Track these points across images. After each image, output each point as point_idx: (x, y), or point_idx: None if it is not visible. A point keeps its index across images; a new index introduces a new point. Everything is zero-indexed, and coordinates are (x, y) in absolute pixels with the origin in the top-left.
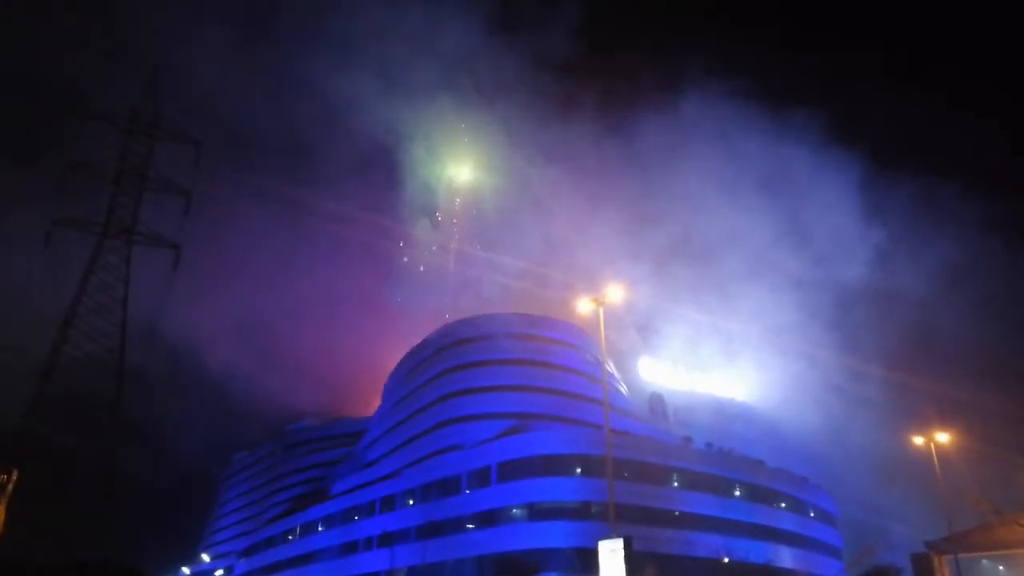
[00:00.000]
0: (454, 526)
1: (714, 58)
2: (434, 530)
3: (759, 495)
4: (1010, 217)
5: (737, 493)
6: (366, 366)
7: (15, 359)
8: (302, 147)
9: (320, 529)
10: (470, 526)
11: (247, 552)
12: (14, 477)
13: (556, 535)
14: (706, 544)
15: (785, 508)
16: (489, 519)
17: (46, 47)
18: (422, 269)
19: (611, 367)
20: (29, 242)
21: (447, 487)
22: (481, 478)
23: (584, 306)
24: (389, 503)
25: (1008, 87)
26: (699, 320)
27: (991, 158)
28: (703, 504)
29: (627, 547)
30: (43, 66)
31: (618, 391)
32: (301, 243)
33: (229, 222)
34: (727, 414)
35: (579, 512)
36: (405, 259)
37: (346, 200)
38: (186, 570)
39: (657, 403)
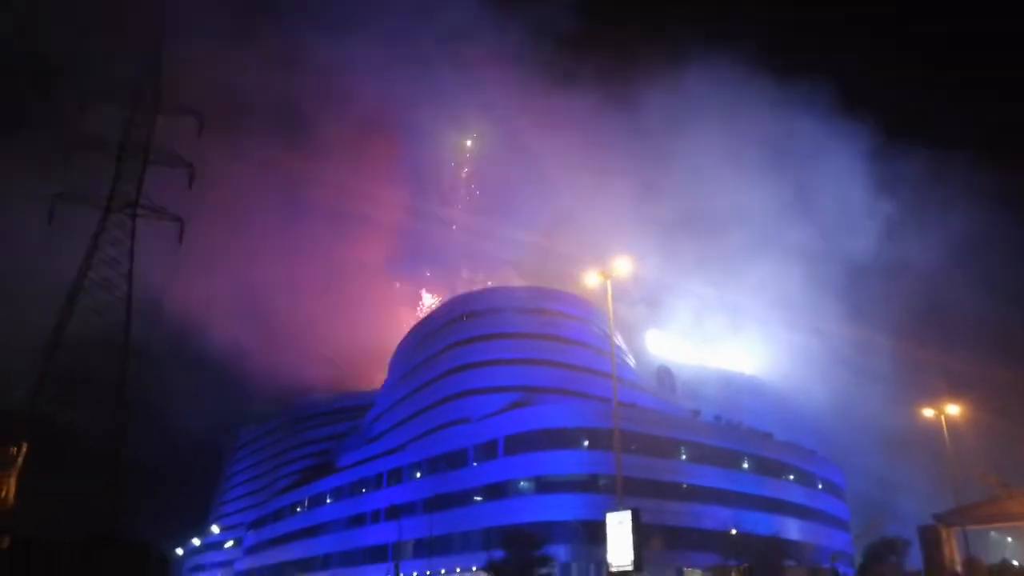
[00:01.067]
0: (461, 499)
1: (718, 25)
2: (441, 503)
3: (767, 468)
4: (1021, 189)
5: (745, 466)
6: (373, 339)
7: (18, 334)
8: (303, 118)
9: (328, 502)
10: (477, 499)
11: (256, 524)
12: (24, 450)
13: (563, 508)
14: (714, 516)
15: (793, 481)
16: (496, 492)
17: (32, 16)
18: (428, 241)
19: (619, 340)
20: (27, 215)
21: (454, 460)
22: (488, 451)
23: (591, 279)
24: (396, 476)
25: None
26: (707, 293)
27: (1004, 129)
28: (711, 477)
29: (635, 519)
30: (30, 36)
31: (626, 364)
32: (304, 215)
33: (231, 195)
34: (735, 387)
35: (586, 485)
36: (411, 231)
37: (350, 172)
38: (196, 541)
39: (665, 376)
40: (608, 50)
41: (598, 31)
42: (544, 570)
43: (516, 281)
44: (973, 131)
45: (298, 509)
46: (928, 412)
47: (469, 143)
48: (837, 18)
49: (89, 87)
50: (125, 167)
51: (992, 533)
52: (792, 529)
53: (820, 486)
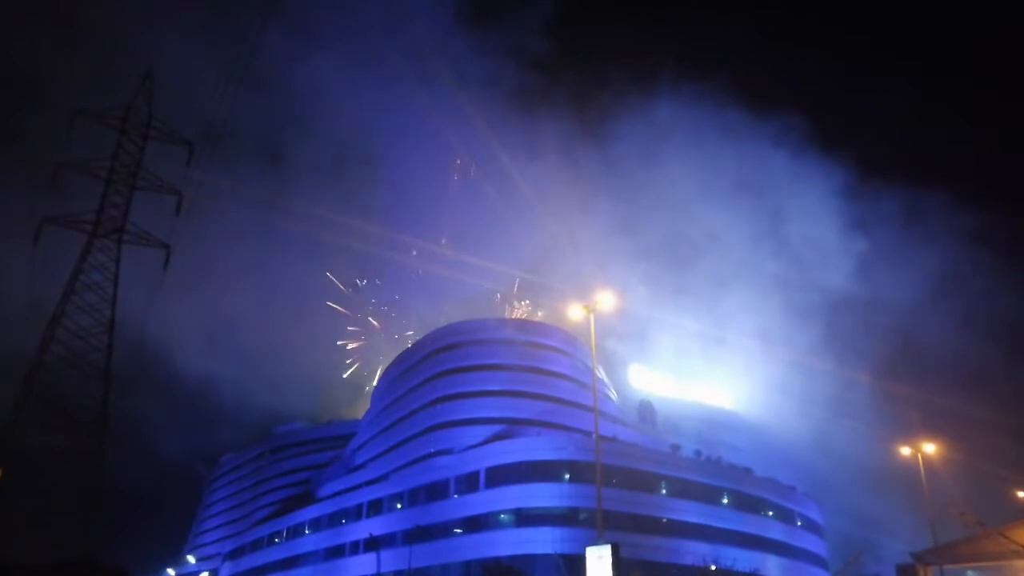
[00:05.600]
0: (441, 531)
1: (694, 57)
2: (421, 535)
3: (746, 503)
4: (997, 228)
5: (725, 501)
6: (355, 369)
7: None
8: (284, 150)
9: (307, 532)
10: (457, 531)
11: (233, 555)
12: None
13: (543, 541)
14: (693, 552)
15: (772, 517)
16: (476, 524)
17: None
18: (410, 272)
19: (601, 374)
20: (9, 237)
21: (435, 492)
22: (469, 483)
23: (575, 313)
24: (376, 507)
25: (1000, 92)
26: (689, 328)
27: (982, 166)
28: (691, 512)
29: (614, 554)
30: (18, 64)
31: (608, 398)
32: (286, 245)
33: (214, 223)
34: (716, 422)
35: (567, 518)
36: (392, 263)
37: (329, 204)
38: (171, 572)
39: (646, 410)
40: (583, 82)
41: (573, 63)
42: None
43: (499, 312)
44: (953, 166)
45: (276, 540)
46: (905, 450)
47: (451, 173)
48: (813, 52)
49: (79, 111)
50: (112, 192)
51: (970, 572)
52: (771, 566)
53: (799, 523)
